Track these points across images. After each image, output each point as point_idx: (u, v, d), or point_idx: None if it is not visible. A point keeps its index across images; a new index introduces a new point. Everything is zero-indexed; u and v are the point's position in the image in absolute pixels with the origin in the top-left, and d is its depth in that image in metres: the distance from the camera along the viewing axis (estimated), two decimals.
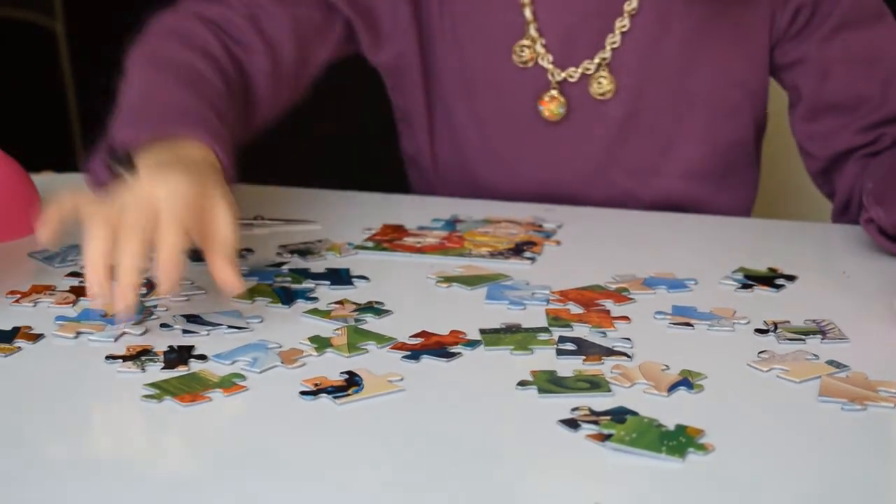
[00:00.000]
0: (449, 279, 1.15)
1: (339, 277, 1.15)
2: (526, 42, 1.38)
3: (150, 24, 1.34)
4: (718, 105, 1.39)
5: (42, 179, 1.41)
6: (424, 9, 1.42)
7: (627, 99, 1.38)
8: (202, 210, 1.01)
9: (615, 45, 1.37)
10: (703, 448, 0.83)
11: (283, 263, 1.19)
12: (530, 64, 1.38)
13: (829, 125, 1.38)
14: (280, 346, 0.99)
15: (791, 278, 1.16)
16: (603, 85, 1.36)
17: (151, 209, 0.98)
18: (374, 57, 1.44)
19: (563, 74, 1.37)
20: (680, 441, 0.83)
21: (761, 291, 1.13)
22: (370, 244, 1.25)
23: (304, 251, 1.23)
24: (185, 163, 1.05)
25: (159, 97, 1.22)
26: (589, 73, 1.37)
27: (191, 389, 0.91)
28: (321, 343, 0.99)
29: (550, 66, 1.37)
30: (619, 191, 1.20)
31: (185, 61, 1.27)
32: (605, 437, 0.84)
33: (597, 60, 1.37)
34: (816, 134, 1.39)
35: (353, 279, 1.15)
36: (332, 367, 0.96)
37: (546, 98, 1.38)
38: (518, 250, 1.23)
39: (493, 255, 1.22)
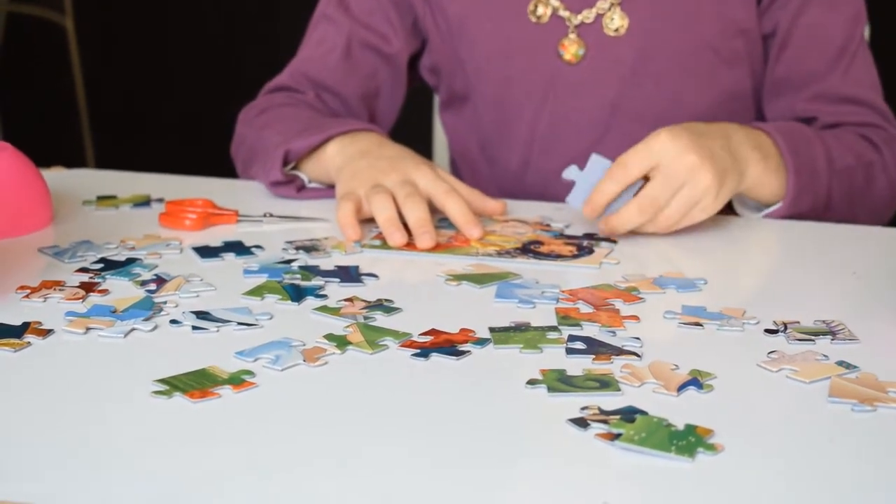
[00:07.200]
0: (458, 277, 1.15)
1: (349, 275, 1.15)
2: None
3: (239, 117, 1.52)
4: (722, 53, 1.45)
5: (52, 175, 1.41)
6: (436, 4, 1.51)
7: (639, 38, 1.44)
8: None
9: None
10: (712, 448, 0.83)
11: (292, 260, 1.19)
12: (546, 19, 1.45)
13: (782, 100, 1.47)
14: (303, 344, 0.99)
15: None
16: (616, 21, 1.43)
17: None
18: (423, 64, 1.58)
19: (580, 17, 1.44)
20: (689, 441, 0.83)
21: (771, 291, 1.13)
22: (377, 242, 1.25)
23: (310, 248, 1.23)
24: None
25: (300, 122, 1.42)
26: (603, 12, 1.44)
27: (200, 386, 0.91)
28: (340, 341, 1.00)
29: (567, 14, 1.44)
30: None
31: (293, 109, 1.47)
32: (614, 437, 0.84)
33: (609, 1, 1.44)
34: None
35: (363, 276, 1.15)
36: (356, 364, 0.96)
37: (566, 42, 1.45)
38: (525, 249, 1.23)
39: (500, 254, 1.22)
